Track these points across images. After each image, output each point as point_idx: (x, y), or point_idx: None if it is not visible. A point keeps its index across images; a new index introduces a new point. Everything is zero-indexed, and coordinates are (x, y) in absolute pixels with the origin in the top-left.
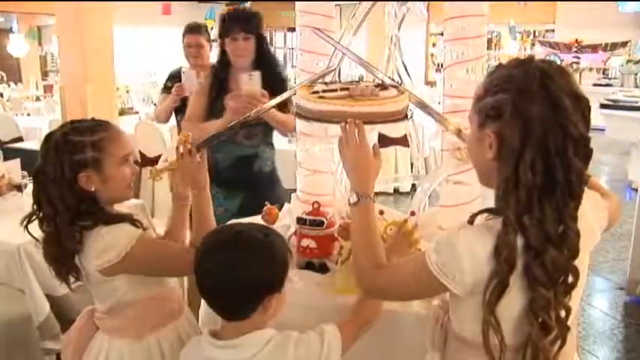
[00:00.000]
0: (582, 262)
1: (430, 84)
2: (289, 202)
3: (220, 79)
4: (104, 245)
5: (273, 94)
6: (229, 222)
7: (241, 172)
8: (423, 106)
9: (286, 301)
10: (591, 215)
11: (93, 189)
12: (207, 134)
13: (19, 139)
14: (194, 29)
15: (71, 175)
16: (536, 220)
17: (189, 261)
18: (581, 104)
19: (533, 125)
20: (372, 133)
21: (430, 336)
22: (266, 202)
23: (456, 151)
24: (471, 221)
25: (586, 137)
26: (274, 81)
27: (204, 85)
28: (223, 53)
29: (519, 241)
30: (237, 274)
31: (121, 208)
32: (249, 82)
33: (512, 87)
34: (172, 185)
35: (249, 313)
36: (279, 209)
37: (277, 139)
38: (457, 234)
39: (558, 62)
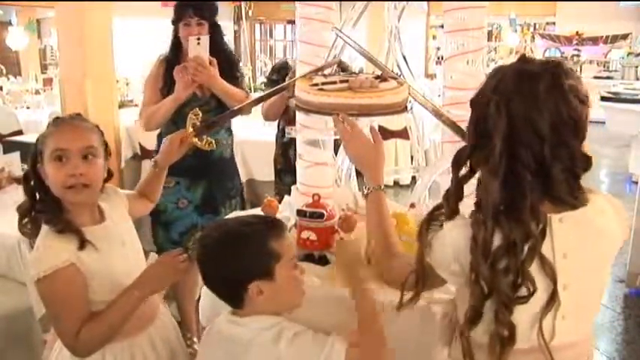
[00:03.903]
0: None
1: (430, 76)
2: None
3: (173, 65)
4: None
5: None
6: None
7: (203, 160)
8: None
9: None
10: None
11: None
12: (160, 113)
13: (19, 132)
14: None
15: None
16: None
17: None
18: None
19: None
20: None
21: (439, 331)
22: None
23: None
24: None
25: None
26: (227, 72)
27: (158, 72)
28: (176, 40)
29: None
30: (214, 265)
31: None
32: (197, 47)
33: None
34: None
35: (237, 301)
36: (241, 199)
37: (236, 127)
38: (446, 226)
39: (559, 55)
